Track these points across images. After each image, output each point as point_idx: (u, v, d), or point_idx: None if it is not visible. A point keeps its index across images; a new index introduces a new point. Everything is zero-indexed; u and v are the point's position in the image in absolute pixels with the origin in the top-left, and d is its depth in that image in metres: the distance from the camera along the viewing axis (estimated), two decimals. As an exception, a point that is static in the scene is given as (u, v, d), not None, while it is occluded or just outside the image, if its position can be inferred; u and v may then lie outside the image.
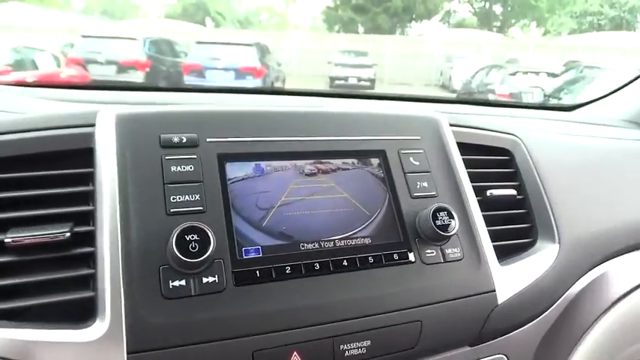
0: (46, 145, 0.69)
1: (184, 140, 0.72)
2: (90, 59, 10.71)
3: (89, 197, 0.68)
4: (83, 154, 0.70)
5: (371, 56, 17.31)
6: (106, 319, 0.60)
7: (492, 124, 1.01)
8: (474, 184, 0.89)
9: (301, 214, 0.74)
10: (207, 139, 0.73)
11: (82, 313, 0.63)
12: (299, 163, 0.77)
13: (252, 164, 0.74)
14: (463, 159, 0.90)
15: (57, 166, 0.69)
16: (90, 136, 0.71)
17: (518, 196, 0.95)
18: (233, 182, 0.72)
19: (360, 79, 15.12)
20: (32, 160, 0.69)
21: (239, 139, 0.75)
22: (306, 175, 0.77)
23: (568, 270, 0.90)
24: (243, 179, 0.73)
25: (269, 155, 0.76)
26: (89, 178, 0.68)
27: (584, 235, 0.96)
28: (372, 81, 15.34)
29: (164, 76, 11.83)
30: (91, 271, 0.64)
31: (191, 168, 0.70)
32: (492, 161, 0.99)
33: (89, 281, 0.63)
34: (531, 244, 0.92)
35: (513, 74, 9.88)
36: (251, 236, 0.70)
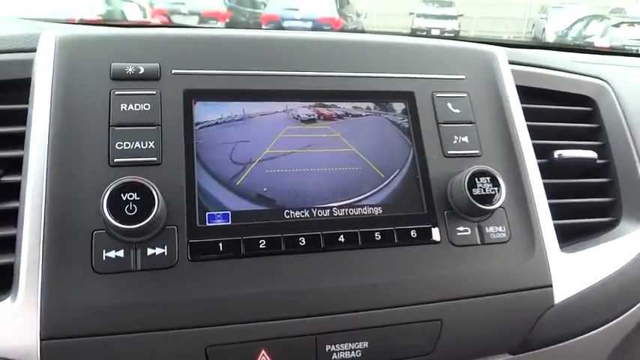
0: None
1: (142, 71, 0.56)
2: (174, 10, 11.00)
3: (22, 140, 0.55)
4: (21, 86, 0.56)
5: (456, 6, 16.23)
6: (19, 294, 0.48)
7: (569, 64, 0.77)
8: (536, 141, 0.67)
9: (290, 172, 0.56)
10: (173, 71, 0.57)
11: (3, 281, 0.50)
12: (293, 105, 0.59)
13: (230, 105, 0.57)
14: (525, 108, 0.68)
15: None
16: (29, 64, 0.57)
17: (599, 160, 0.72)
18: (202, 127, 0.56)
19: (443, 31, 14.26)
20: None
21: (214, 71, 0.58)
22: (301, 121, 0.59)
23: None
24: (216, 124, 0.56)
25: (252, 94, 0.58)
26: (24, 116, 0.55)
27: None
28: (457, 33, 14.43)
29: (243, 27, 11.92)
30: (13, 231, 0.51)
31: (147, 107, 0.55)
32: (567, 112, 0.75)
33: (12, 243, 0.51)
34: (611, 225, 0.69)
35: (617, 25, 8.80)
36: (219, 198, 0.54)
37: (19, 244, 0.49)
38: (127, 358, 0.48)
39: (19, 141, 0.55)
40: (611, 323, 0.66)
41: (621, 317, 0.67)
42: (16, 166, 0.54)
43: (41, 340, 0.47)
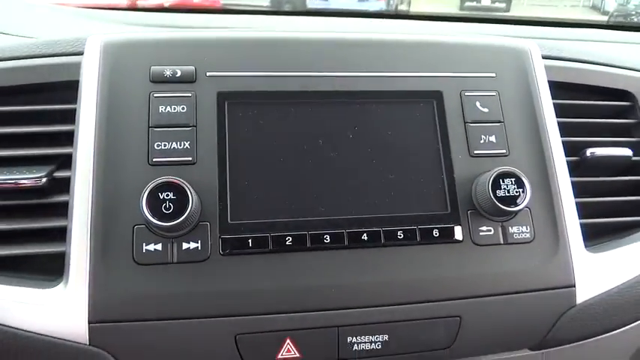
0: (27, 77, 0.61)
1: (179, 74, 0.59)
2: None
3: (71, 138, 0.59)
4: (69, 88, 0.61)
5: (509, -27, 15.47)
6: (70, 281, 0.53)
7: (608, 58, 0.75)
8: (567, 138, 0.66)
9: (318, 173, 0.59)
10: (208, 73, 0.60)
11: (54, 268, 0.56)
12: (322, 107, 0.61)
13: (262, 106, 0.60)
14: (557, 104, 0.67)
15: (39, 100, 0.61)
16: (76, 67, 0.61)
17: (634, 158, 0.70)
18: (235, 128, 0.59)
19: (494, 1, 13.71)
20: (11, 93, 0.61)
21: (247, 73, 0.61)
22: (330, 121, 0.61)
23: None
24: (247, 125, 0.59)
25: (284, 95, 0.61)
26: (72, 116, 0.59)
27: None
28: (509, 1, 13.81)
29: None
30: (64, 223, 0.56)
31: (183, 109, 0.58)
32: (603, 107, 0.73)
33: (62, 234, 0.56)
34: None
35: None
36: (248, 197, 0.57)
37: (69, 235, 0.54)
38: (164, 343, 0.53)
39: (68, 139, 0.59)
40: (636, 323, 0.66)
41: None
42: (67, 162, 0.59)
43: (89, 323, 0.52)
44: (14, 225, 0.57)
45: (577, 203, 0.63)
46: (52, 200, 0.58)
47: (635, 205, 0.69)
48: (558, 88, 0.70)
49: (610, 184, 0.69)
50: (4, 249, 0.55)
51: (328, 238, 0.56)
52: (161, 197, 0.52)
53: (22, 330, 0.52)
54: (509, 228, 0.60)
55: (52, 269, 0.56)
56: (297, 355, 0.55)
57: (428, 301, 0.57)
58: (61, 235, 0.56)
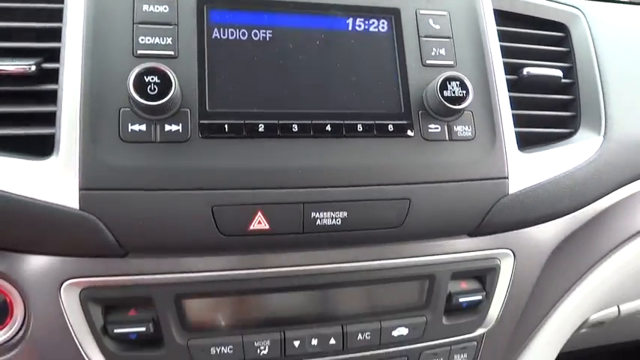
0: None
1: None
2: None
3: (59, 34, 0.64)
4: None
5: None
6: (61, 154, 0.59)
7: (547, -8, 0.84)
8: (508, 59, 0.76)
9: (289, 72, 0.66)
10: None
11: (42, 150, 0.61)
12: (295, 14, 0.68)
13: (239, 11, 0.66)
14: (500, 30, 0.76)
15: (27, -1, 0.65)
16: None
17: (565, 80, 0.80)
18: (213, 29, 0.65)
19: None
20: None
21: None
22: (302, 28, 0.68)
23: (607, 170, 0.76)
24: (225, 27, 0.65)
25: (261, 3, 0.67)
26: (60, 14, 0.64)
27: (637, 136, 0.80)
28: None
29: None
30: (54, 108, 0.61)
31: (165, 9, 0.64)
32: (540, 37, 0.83)
33: (51, 118, 0.61)
34: (569, 136, 0.78)
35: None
36: (226, 87, 0.64)
37: (58, 118, 0.60)
38: (147, 211, 0.59)
39: (55, 36, 0.64)
40: (560, 219, 0.77)
41: (570, 216, 0.78)
42: (55, 56, 0.64)
43: (80, 190, 0.58)
44: (5, 108, 0.61)
45: (513, 115, 0.73)
46: (41, 88, 0.62)
47: (562, 120, 0.80)
48: (504, 18, 0.79)
49: (541, 101, 0.79)
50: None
51: (296, 128, 0.64)
52: (146, 80, 0.58)
53: (17, 195, 0.57)
54: (454, 127, 0.68)
55: (42, 152, 0.61)
56: (267, 227, 0.62)
57: (382, 184, 0.65)
58: (50, 120, 0.61)
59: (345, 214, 0.64)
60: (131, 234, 0.59)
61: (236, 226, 0.61)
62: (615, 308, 1.05)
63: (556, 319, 0.80)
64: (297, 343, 0.67)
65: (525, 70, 0.78)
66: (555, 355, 0.85)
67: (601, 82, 0.80)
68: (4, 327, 0.62)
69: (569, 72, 0.82)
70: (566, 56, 0.83)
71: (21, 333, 0.61)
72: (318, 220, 0.64)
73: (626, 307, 1.06)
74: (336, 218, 0.64)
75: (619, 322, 1.22)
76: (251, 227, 0.62)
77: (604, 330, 1.28)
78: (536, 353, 0.80)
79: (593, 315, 1.03)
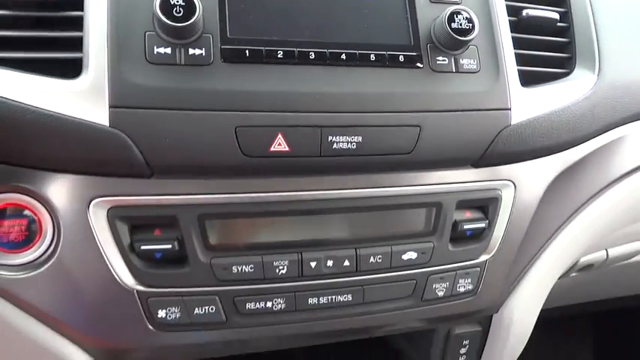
0: None
1: None
2: None
3: None
4: None
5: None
6: (90, 74, 0.61)
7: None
8: (509, 2, 0.80)
9: (306, 3, 0.69)
10: None
11: (71, 73, 0.63)
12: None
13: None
14: None
15: None
16: None
17: (560, 23, 0.85)
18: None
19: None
20: None
21: None
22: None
23: (601, 106, 0.81)
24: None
25: None
26: None
27: (629, 76, 0.85)
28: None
29: None
30: (80, 33, 0.63)
31: None
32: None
33: (78, 43, 0.63)
34: (565, 75, 0.83)
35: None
36: (246, 16, 0.66)
37: (86, 43, 0.62)
38: (173, 130, 0.62)
39: None
40: (557, 154, 0.82)
41: (566, 151, 0.82)
42: None
43: (109, 107, 0.60)
44: (33, 33, 0.63)
45: (515, 54, 0.77)
46: (67, 14, 0.64)
47: (559, 61, 0.84)
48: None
49: (540, 42, 0.83)
50: (23, 53, 0.62)
51: (313, 55, 0.67)
52: (172, 2, 0.60)
53: (50, 111, 0.59)
54: (460, 60, 0.72)
55: (67, 77, 0.63)
56: (287, 148, 0.65)
57: (394, 112, 0.69)
58: (76, 45, 0.63)
59: (360, 138, 0.68)
60: (158, 152, 0.62)
61: (258, 147, 0.64)
62: (604, 252, 1.11)
63: (552, 251, 0.85)
64: (313, 264, 0.71)
65: (525, 12, 0.82)
66: (550, 287, 0.90)
67: (595, 25, 0.85)
68: (34, 245, 0.64)
69: (564, 16, 0.86)
70: (562, 2, 0.87)
71: (50, 250, 0.64)
72: (335, 143, 0.67)
73: (614, 252, 1.12)
74: (351, 142, 0.68)
75: (604, 272, 1.29)
76: (272, 149, 0.65)
77: (590, 281, 1.34)
78: (532, 283, 0.85)
79: (584, 257, 1.08)
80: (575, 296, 1.58)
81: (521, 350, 0.88)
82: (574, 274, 1.14)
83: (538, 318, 1.00)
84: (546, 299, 0.94)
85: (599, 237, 0.94)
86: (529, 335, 0.88)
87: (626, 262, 1.23)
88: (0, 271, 0.63)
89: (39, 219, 0.64)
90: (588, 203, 0.89)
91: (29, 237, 0.64)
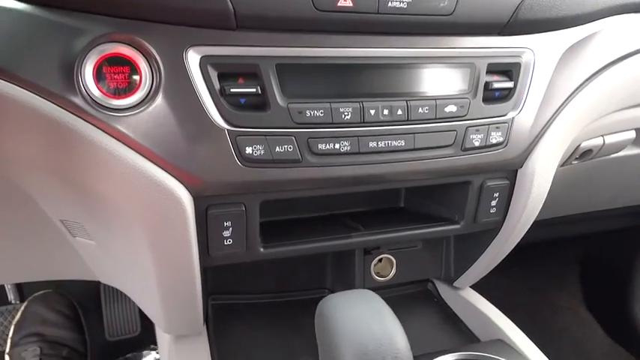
0: None
1: None
2: None
3: None
4: None
5: None
6: None
7: None
8: None
9: None
10: None
11: None
12: None
13: None
14: None
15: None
16: None
17: None
18: None
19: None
20: None
21: None
22: None
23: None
24: None
25: None
26: None
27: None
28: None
29: None
30: None
31: None
32: None
33: None
34: None
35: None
36: None
37: None
38: None
39: None
40: (565, 31, 0.94)
41: (575, 28, 0.95)
42: None
43: None
44: None
45: None
46: None
47: None
48: None
49: None
50: None
51: None
52: None
53: None
54: None
55: None
56: (350, 4, 0.76)
57: None
58: None
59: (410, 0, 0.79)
60: (244, 2, 0.71)
61: (327, 2, 0.75)
62: (601, 138, 1.25)
63: (564, 116, 0.98)
64: (372, 112, 0.82)
65: None
66: (563, 149, 1.03)
67: None
68: (136, 90, 0.72)
69: None
70: None
71: (151, 94, 0.72)
72: (389, 2, 0.78)
73: (609, 139, 1.26)
74: (402, 2, 0.78)
75: (596, 173, 1.44)
76: (338, 4, 0.75)
77: (583, 181, 1.49)
78: (550, 143, 0.98)
79: (584, 142, 1.23)
80: (569, 206, 1.73)
81: (541, 205, 1.01)
82: (575, 161, 1.28)
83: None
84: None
85: (602, 108, 1.08)
86: (548, 189, 1.01)
87: (616, 155, 1.38)
88: (108, 112, 0.71)
89: (139, 67, 0.72)
90: (594, 77, 1.02)
91: (131, 84, 0.72)
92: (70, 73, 0.69)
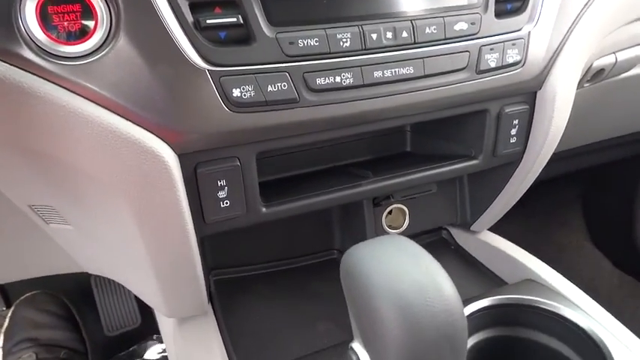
0: None
1: None
2: None
3: None
4: None
5: None
6: None
7: None
8: None
9: None
10: None
11: None
12: None
13: None
14: None
15: None
16: None
17: None
18: None
19: None
20: None
21: None
22: None
23: None
24: None
25: None
26: None
27: None
28: None
29: None
30: None
31: None
32: None
33: None
34: None
35: None
36: None
37: None
38: None
39: None
40: None
41: None
42: None
43: None
44: None
45: None
46: None
47: None
48: None
49: None
50: None
51: None
52: None
53: None
54: None
55: None
56: None
57: None
58: None
59: None
60: None
61: None
62: (613, 56, 1.15)
63: (578, 31, 0.88)
64: (374, 36, 0.70)
65: None
66: (580, 68, 0.94)
67: None
68: (92, 34, 0.60)
69: None
70: None
71: (112, 34, 0.60)
72: None
73: (621, 55, 1.17)
74: None
75: (609, 95, 1.35)
76: None
77: (596, 105, 1.40)
78: (567, 61, 0.87)
79: (596, 61, 1.13)
80: (578, 136, 1.65)
81: (563, 130, 0.92)
82: (586, 84, 1.19)
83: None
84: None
85: (618, 17, 0.98)
86: (569, 113, 0.91)
87: (626, 75, 1.29)
88: (61, 62, 0.59)
89: (92, 4, 0.59)
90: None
91: (85, 27, 0.60)
92: (8, 17, 0.56)
